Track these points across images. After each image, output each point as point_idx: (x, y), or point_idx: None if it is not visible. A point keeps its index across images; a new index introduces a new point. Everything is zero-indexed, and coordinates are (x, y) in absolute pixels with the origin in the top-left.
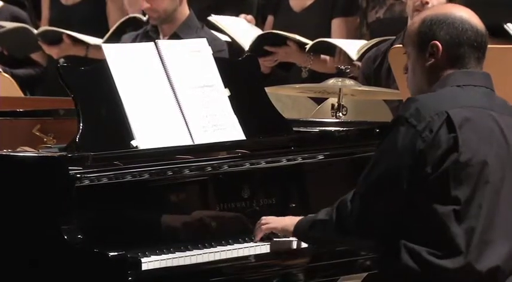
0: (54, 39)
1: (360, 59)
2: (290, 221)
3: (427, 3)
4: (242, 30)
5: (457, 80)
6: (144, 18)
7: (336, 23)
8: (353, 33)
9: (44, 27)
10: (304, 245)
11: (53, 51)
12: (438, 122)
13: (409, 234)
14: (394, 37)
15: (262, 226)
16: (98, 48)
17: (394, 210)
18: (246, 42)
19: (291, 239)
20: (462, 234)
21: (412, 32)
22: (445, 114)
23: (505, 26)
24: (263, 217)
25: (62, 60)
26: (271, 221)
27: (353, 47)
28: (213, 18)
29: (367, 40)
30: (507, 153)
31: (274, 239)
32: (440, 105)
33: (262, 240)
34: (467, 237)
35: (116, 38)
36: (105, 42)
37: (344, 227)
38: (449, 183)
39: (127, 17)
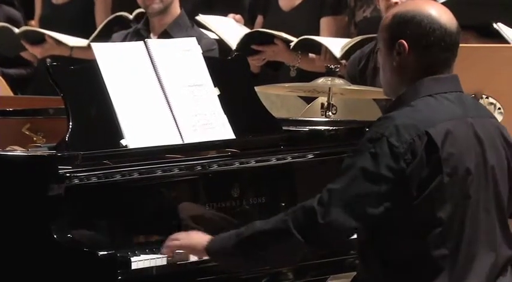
0: (36, 39)
1: (343, 56)
2: (200, 241)
3: (396, 3)
4: (230, 29)
5: (427, 89)
6: (131, 17)
7: (325, 22)
8: (341, 32)
9: (24, 27)
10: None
11: (36, 51)
12: (420, 144)
13: (392, 254)
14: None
15: (168, 243)
16: (82, 48)
17: (373, 229)
18: (233, 42)
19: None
20: (447, 254)
21: (383, 28)
22: (426, 136)
23: (494, 25)
24: (172, 235)
25: (48, 59)
26: (180, 238)
27: (337, 45)
28: (201, 18)
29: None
30: (483, 160)
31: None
32: (420, 124)
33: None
34: (452, 256)
35: (103, 36)
36: (93, 40)
37: (311, 238)
38: (434, 204)
39: (114, 15)
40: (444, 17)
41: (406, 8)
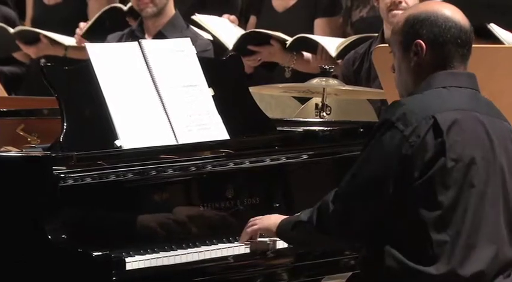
0: (31, 38)
1: (338, 56)
2: (274, 221)
3: (400, 2)
4: (226, 30)
5: (442, 81)
6: (125, 8)
7: (319, 23)
8: (336, 33)
9: (19, 27)
10: (281, 245)
11: (31, 51)
12: (425, 127)
13: (393, 238)
14: (372, 39)
15: (248, 229)
16: (77, 48)
17: (377, 214)
18: (229, 42)
19: (265, 239)
20: (447, 240)
21: (396, 32)
22: (432, 119)
23: (488, 26)
24: (251, 219)
25: (42, 60)
26: (257, 223)
27: (333, 44)
28: (197, 18)
29: None
30: (492, 156)
31: (251, 241)
32: (427, 110)
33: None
34: (452, 242)
35: (97, 28)
36: (86, 33)
37: (325, 227)
38: (435, 188)
39: (108, 6)
40: (458, 15)
41: (419, 10)
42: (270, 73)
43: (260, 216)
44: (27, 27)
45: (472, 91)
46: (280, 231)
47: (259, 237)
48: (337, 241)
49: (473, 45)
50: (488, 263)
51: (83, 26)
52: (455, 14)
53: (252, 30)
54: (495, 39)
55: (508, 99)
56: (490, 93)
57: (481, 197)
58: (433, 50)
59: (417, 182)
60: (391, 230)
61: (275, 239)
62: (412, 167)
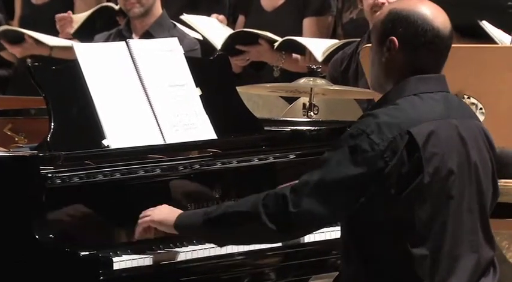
0: (16, 38)
1: (325, 60)
2: (168, 214)
3: (383, 3)
4: (214, 29)
5: (413, 88)
6: (116, 7)
7: (307, 23)
8: (324, 33)
9: (3, 27)
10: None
11: (16, 51)
12: (401, 142)
13: (373, 254)
14: (359, 39)
15: (139, 221)
16: (63, 48)
17: (335, 216)
18: (218, 42)
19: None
20: (427, 254)
21: (376, 23)
22: (407, 135)
23: (480, 23)
24: (143, 212)
25: (29, 60)
26: (150, 214)
27: (319, 48)
28: (186, 18)
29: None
30: (467, 162)
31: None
32: (402, 123)
33: (143, 235)
34: (432, 257)
35: (87, 27)
36: (76, 32)
37: (279, 224)
38: (413, 204)
39: (99, 5)
40: (439, 19)
41: (402, 5)
42: (258, 72)
43: (151, 208)
44: (12, 27)
45: (443, 94)
46: (183, 225)
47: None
48: (280, 237)
49: (459, 45)
50: (471, 273)
51: (74, 22)
52: (436, 18)
53: (241, 29)
54: (487, 38)
55: (493, 99)
56: (475, 93)
57: (459, 206)
58: (404, 50)
59: (394, 198)
60: (369, 245)
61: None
62: (388, 183)
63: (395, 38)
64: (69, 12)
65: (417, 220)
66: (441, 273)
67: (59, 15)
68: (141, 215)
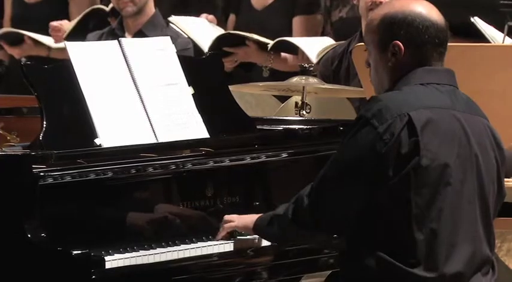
0: (15, 39)
1: (319, 62)
2: (250, 219)
3: (381, 2)
4: (202, 31)
5: (420, 78)
6: (107, 9)
7: (297, 21)
8: (314, 31)
9: (5, 29)
10: (265, 242)
11: (15, 52)
12: (400, 124)
13: (371, 237)
14: (350, 38)
15: (225, 225)
16: (61, 49)
17: (351, 207)
18: (205, 44)
19: (253, 237)
20: (422, 238)
21: (372, 30)
22: (407, 117)
23: (471, 19)
24: (226, 215)
25: (23, 59)
26: (234, 219)
27: (313, 49)
28: (173, 19)
29: (331, 39)
30: (469, 153)
31: (238, 237)
32: (403, 107)
33: (224, 238)
34: (428, 241)
35: (79, 31)
36: (69, 34)
37: (299, 221)
38: (410, 187)
39: (90, 8)
40: (434, 13)
41: (395, 8)
42: (247, 73)
43: (235, 215)
44: (12, 29)
45: (451, 88)
46: (257, 227)
47: (238, 236)
48: (311, 234)
49: (452, 44)
50: (466, 262)
51: (65, 27)
52: (431, 13)
53: (227, 32)
54: (478, 36)
55: (485, 99)
56: (469, 93)
57: (458, 195)
58: (411, 51)
59: (392, 180)
60: (369, 229)
61: (255, 236)
62: (386, 164)
63: (399, 42)
64: (62, 23)
65: (414, 204)
66: (437, 258)
67: (52, 24)
68: (225, 219)
